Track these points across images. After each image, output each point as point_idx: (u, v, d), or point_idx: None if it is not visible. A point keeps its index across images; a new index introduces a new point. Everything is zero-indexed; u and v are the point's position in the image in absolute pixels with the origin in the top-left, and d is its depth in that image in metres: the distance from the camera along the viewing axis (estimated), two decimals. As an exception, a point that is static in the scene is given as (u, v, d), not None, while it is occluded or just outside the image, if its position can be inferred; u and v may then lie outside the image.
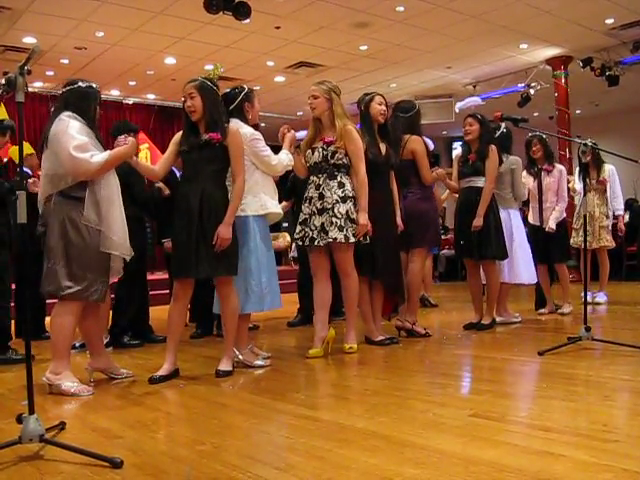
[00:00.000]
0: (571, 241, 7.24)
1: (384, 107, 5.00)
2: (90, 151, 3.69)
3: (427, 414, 2.96)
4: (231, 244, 3.96)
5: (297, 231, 4.75)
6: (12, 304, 5.21)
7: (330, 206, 4.56)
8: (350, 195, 4.61)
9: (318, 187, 4.64)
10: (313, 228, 4.60)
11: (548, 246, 6.44)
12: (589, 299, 6.67)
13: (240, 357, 4.32)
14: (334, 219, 4.53)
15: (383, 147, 4.98)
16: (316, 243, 4.59)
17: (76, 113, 3.81)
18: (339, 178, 4.61)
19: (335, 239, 4.52)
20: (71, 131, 3.70)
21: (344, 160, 4.62)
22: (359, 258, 4.75)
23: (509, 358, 4.40)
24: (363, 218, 4.58)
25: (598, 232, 7.25)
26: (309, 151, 4.72)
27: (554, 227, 6.38)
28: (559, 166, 6.59)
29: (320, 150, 4.64)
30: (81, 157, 3.64)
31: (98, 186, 3.75)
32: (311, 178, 4.72)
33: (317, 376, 4.21)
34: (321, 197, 4.60)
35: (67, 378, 3.72)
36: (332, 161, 4.60)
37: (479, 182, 5.53)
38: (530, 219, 6.69)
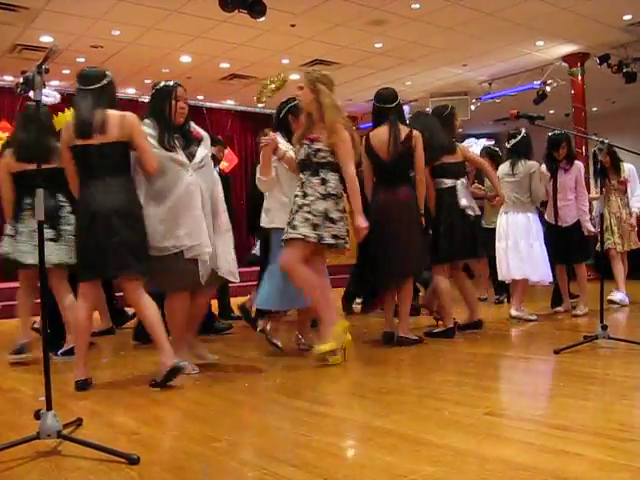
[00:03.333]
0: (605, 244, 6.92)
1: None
2: None
3: (442, 412, 2.96)
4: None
5: (284, 231, 4.42)
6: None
7: (308, 202, 4.30)
8: (333, 193, 4.35)
9: (302, 185, 4.41)
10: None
11: (567, 245, 6.28)
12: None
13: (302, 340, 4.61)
14: (309, 216, 4.27)
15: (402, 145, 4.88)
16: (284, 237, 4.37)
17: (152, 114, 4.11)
18: (322, 175, 4.35)
19: (305, 237, 4.23)
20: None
21: (329, 158, 4.37)
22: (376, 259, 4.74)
23: (525, 356, 4.38)
24: (360, 220, 4.38)
25: (628, 234, 7.11)
26: (298, 147, 4.52)
27: (592, 229, 6.25)
28: (577, 163, 6.42)
29: (305, 147, 4.43)
30: None
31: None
32: (300, 175, 4.49)
33: (332, 374, 4.21)
34: (304, 195, 4.36)
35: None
36: (315, 160, 4.37)
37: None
38: (547, 217, 6.51)
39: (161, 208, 3.94)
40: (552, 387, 3.55)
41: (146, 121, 4.07)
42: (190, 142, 4.12)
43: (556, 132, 6.15)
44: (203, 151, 4.13)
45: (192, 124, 4.23)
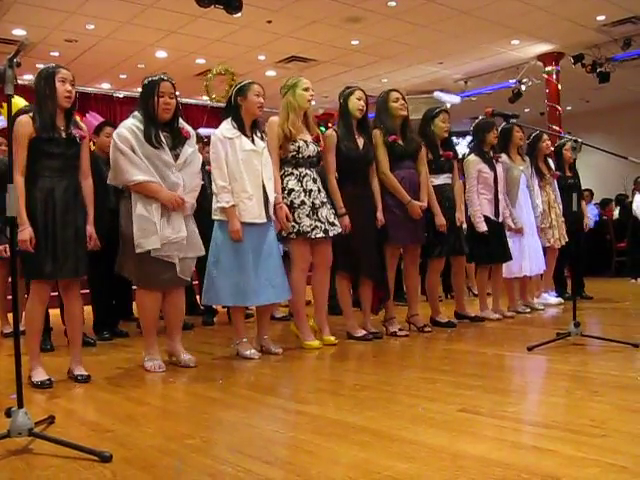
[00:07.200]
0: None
1: (363, 102, 4.99)
2: None
3: (416, 409, 2.96)
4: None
5: (308, 224, 4.59)
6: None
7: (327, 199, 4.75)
8: None
9: (315, 180, 4.71)
10: (323, 220, 4.64)
11: (505, 242, 5.95)
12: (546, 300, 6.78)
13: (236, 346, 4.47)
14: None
15: (361, 142, 4.96)
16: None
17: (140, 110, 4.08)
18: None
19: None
20: None
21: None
22: (339, 253, 4.77)
23: (498, 353, 4.41)
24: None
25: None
26: (302, 142, 4.65)
27: (513, 226, 6.05)
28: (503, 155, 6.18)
29: (314, 146, 4.72)
30: None
31: None
32: (306, 170, 4.68)
33: (306, 371, 4.21)
34: (320, 190, 4.72)
35: (147, 356, 4.15)
36: (317, 158, 4.79)
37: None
38: (488, 213, 5.84)
39: (146, 208, 3.94)
40: (525, 384, 3.58)
41: (135, 114, 4.05)
42: (179, 142, 4.09)
43: (482, 119, 5.91)
44: (188, 150, 4.11)
45: (181, 121, 4.17)
